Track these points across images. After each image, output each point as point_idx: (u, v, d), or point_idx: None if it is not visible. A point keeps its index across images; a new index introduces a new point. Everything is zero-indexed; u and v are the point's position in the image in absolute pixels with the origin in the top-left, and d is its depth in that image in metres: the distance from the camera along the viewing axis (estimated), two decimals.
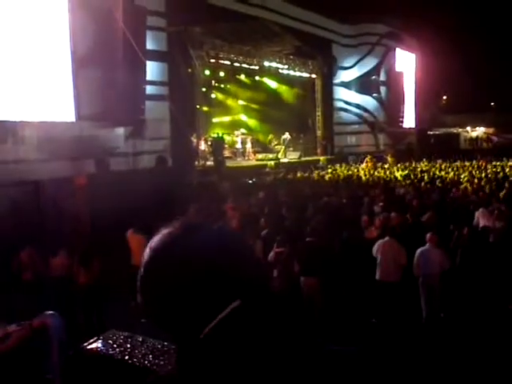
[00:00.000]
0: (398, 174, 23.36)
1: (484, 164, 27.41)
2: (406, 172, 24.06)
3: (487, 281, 9.54)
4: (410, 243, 10.08)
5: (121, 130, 19.92)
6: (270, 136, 34.51)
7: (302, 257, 9.66)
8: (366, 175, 23.76)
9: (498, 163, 27.46)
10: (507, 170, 23.81)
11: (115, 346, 2.04)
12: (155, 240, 1.24)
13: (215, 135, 27.76)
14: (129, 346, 2.03)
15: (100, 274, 9.95)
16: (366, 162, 29.73)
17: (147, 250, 1.24)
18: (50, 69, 17.07)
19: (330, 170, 26.44)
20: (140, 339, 2.05)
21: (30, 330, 2.51)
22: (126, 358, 1.94)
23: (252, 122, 36.32)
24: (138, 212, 13.03)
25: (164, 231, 1.24)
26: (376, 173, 24.84)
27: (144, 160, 20.85)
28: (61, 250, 9.99)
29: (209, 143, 27.00)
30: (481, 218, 12.59)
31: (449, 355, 8.07)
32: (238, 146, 31.24)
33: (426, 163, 29.31)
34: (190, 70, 25.63)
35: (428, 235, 9.77)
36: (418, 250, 9.71)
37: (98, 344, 2.09)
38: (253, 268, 1.19)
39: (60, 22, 17.28)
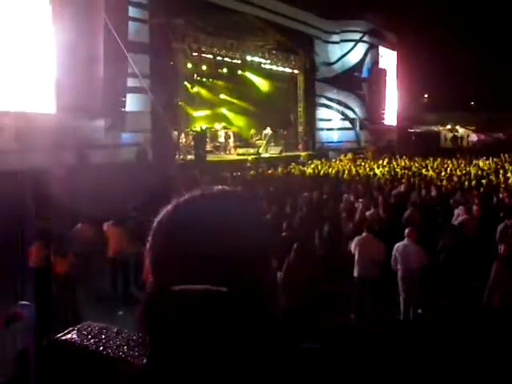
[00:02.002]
0: (378, 171, 23.46)
1: (464, 162, 27.69)
2: (387, 169, 24.19)
3: (464, 276, 9.63)
4: (389, 239, 10.12)
5: (101, 122, 19.77)
6: (252, 131, 34.48)
7: (279, 252, 9.62)
8: (345, 171, 23.84)
9: (479, 162, 27.71)
10: (486, 168, 24.04)
11: (90, 336, 2.01)
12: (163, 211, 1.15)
13: (197, 129, 27.66)
14: (103, 336, 1.99)
15: (76, 263, 9.89)
16: (348, 158, 29.92)
17: (170, 207, 1.14)
18: (31, 59, 16.90)
19: (312, 166, 26.49)
20: (115, 330, 2.01)
21: (5, 319, 2.47)
22: (101, 349, 1.91)
23: (233, 117, 36.24)
24: (118, 204, 12.98)
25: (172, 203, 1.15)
26: (357, 169, 24.91)
27: (124, 152, 20.72)
28: (36, 241, 9.90)
29: (190, 137, 26.89)
30: (460, 215, 12.68)
31: (424, 352, 8.13)
32: (221, 139, 31.15)
33: (406, 160, 29.43)
34: (172, 63, 25.49)
35: (407, 230, 9.79)
36: (396, 245, 9.73)
37: (73, 335, 2.05)
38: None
39: (42, 13, 17.10)
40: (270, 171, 23.68)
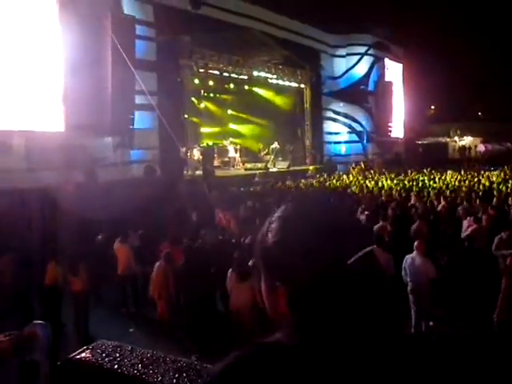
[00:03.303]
0: (385, 184, 23.43)
1: (472, 173, 27.60)
2: (395, 181, 24.15)
3: (474, 289, 9.58)
4: (398, 252, 10.10)
5: (109, 140, 19.90)
6: (260, 145, 34.58)
7: None
8: (355, 185, 23.83)
9: (487, 173, 27.60)
10: (494, 179, 23.95)
11: (104, 355, 2.04)
12: (282, 208, 1.35)
13: (205, 144, 27.76)
14: (118, 355, 2.02)
15: (89, 281, 9.95)
16: (358, 168, 29.96)
17: (276, 220, 1.32)
18: (40, 78, 17.05)
19: (320, 179, 26.50)
20: (129, 348, 2.05)
21: (20, 339, 2.50)
22: (115, 367, 1.94)
23: (241, 132, 36.35)
24: (126, 222, 13.03)
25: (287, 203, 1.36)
26: (367, 182, 24.85)
27: (133, 170, 20.83)
28: (50, 260, 9.97)
29: (198, 152, 26.98)
30: (469, 226, 12.63)
31: (435, 365, 8.07)
32: (231, 154, 31.24)
33: (415, 173, 29.35)
34: (179, 80, 25.65)
35: (416, 243, 9.78)
36: (406, 257, 9.72)
37: (87, 354, 2.09)
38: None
39: (50, 32, 17.28)
40: (278, 185, 23.69)
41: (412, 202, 17.10)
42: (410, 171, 30.29)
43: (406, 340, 1.24)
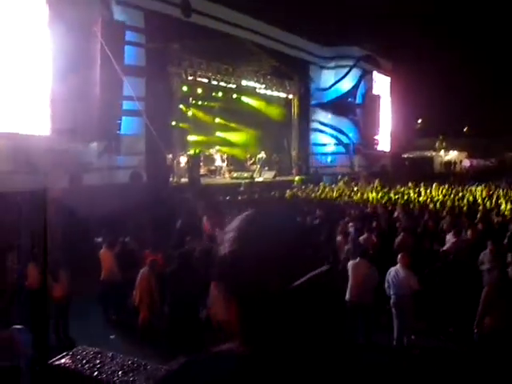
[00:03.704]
0: (371, 196, 23.52)
1: (457, 188, 27.76)
2: (380, 194, 24.23)
3: (455, 302, 9.62)
4: (382, 264, 10.14)
5: (95, 145, 19.81)
6: (246, 155, 34.60)
7: None
8: (341, 197, 23.91)
9: (472, 188, 27.76)
10: (479, 194, 24.11)
11: (84, 361, 2.02)
12: (237, 219, 1.34)
13: (191, 152, 27.71)
14: (98, 361, 2.00)
15: (69, 287, 9.86)
16: (344, 181, 30.10)
17: (230, 231, 1.31)
18: (27, 81, 16.95)
19: (306, 191, 26.53)
20: (110, 355, 2.03)
21: None
22: (95, 374, 1.92)
23: (228, 141, 36.33)
24: (111, 227, 12.96)
25: (243, 214, 1.36)
26: (353, 194, 24.92)
27: (119, 175, 20.73)
28: (30, 263, 9.89)
29: (185, 160, 26.92)
30: (451, 241, 12.70)
31: (417, 379, 8.10)
32: (217, 163, 31.24)
33: (400, 187, 29.45)
34: (167, 87, 25.62)
35: (399, 256, 9.81)
36: (389, 270, 9.75)
37: (67, 359, 2.06)
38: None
39: (39, 35, 17.20)
40: (263, 195, 23.68)
41: (397, 214, 17.18)
42: (395, 184, 30.41)
43: (346, 353, 1.25)
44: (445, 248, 12.11)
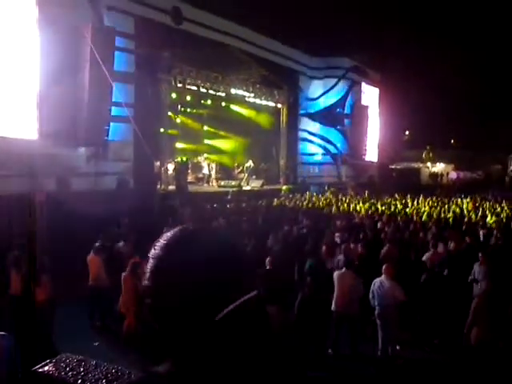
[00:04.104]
0: (358, 207, 23.59)
1: (443, 200, 27.93)
2: (367, 205, 24.31)
3: (439, 313, 9.65)
4: (368, 275, 10.15)
5: (83, 150, 19.75)
6: (234, 163, 34.64)
7: (262, 285, 9.60)
8: (327, 206, 23.97)
9: (458, 200, 27.94)
10: (465, 206, 24.27)
11: (68, 369, 1.99)
12: (157, 246, 1.25)
13: (179, 159, 27.68)
14: (82, 369, 1.98)
15: (52, 291, 9.75)
16: (330, 192, 30.18)
17: (150, 258, 1.24)
18: (15, 85, 16.88)
19: (293, 200, 26.56)
20: (93, 363, 2.00)
21: None
22: (79, 382, 1.90)
23: (216, 149, 36.33)
24: (98, 232, 12.90)
25: (165, 237, 1.26)
26: (339, 204, 24.98)
27: (106, 181, 20.66)
28: (12, 269, 9.80)
29: (172, 167, 26.89)
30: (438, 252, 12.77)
31: None
32: (205, 171, 31.24)
33: (387, 198, 29.57)
34: (156, 94, 25.59)
35: (384, 267, 9.83)
36: (374, 281, 9.77)
37: (50, 367, 2.03)
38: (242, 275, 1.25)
39: (28, 39, 17.14)
40: (251, 203, 23.69)
41: (383, 225, 17.24)
42: (382, 195, 30.53)
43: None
44: (424, 259, 12.17)
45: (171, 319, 1.17)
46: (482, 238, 15.11)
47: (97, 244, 11.72)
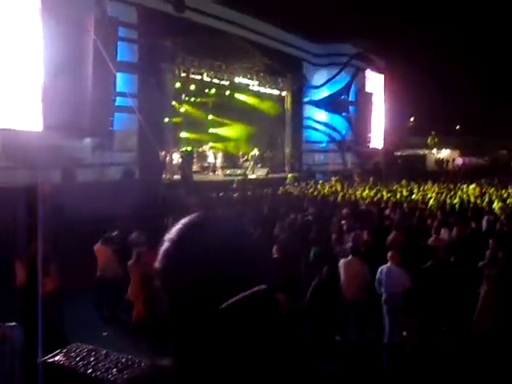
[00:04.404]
0: (364, 194, 23.54)
1: (449, 186, 27.86)
2: (373, 192, 24.25)
3: (447, 299, 9.64)
4: (374, 262, 10.15)
5: (88, 141, 19.76)
6: (239, 152, 34.62)
7: (270, 273, 9.60)
8: (333, 194, 23.94)
9: (464, 186, 27.84)
10: (471, 192, 24.19)
11: (78, 359, 2.01)
12: (173, 230, 1.27)
13: (184, 149, 27.68)
14: (92, 359, 2.00)
15: (59, 282, 9.78)
16: (335, 180, 30.12)
17: (165, 241, 1.25)
18: (19, 77, 16.87)
19: (298, 188, 26.55)
20: (104, 352, 2.02)
21: None
22: (89, 371, 1.91)
23: (221, 138, 36.30)
24: (104, 223, 12.93)
25: (181, 221, 1.28)
26: (345, 192, 24.93)
27: (111, 172, 20.68)
28: (17, 262, 9.82)
29: (177, 157, 26.89)
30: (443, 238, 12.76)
31: (408, 375, 8.12)
32: (210, 160, 31.26)
33: (392, 185, 29.49)
34: (160, 83, 25.54)
35: (389, 253, 9.81)
36: (380, 268, 9.75)
37: (61, 357, 2.05)
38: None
39: (31, 31, 17.11)
40: (256, 192, 23.67)
41: (389, 212, 17.20)
42: (388, 182, 30.47)
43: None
44: (429, 243, 12.18)
45: (178, 304, 1.18)
46: (485, 225, 15.00)
47: (105, 234, 11.73)
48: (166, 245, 1.24)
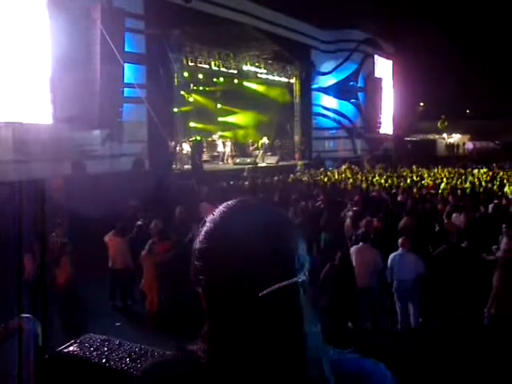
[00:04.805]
0: (374, 180, 23.50)
1: (459, 170, 27.76)
2: (384, 178, 24.21)
3: (459, 285, 9.62)
4: (385, 248, 10.14)
5: (98, 133, 19.82)
6: (249, 140, 34.60)
7: None
8: (344, 181, 23.92)
9: (475, 171, 27.73)
10: (482, 177, 24.09)
11: (92, 349, 2.03)
12: (216, 211, 1.27)
13: (194, 138, 27.70)
14: (106, 349, 2.01)
15: (72, 273, 9.84)
16: (346, 167, 30.10)
17: (207, 222, 1.25)
18: (28, 70, 16.94)
19: (307, 175, 26.55)
20: (117, 342, 2.04)
21: (6, 332, 2.49)
22: (103, 361, 1.93)
23: (230, 126, 36.26)
24: (116, 215, 12.97)
25: (224, 204, 1.28)
26: (355, 178, 24.90)
27: (121, 163, 20.75)
28: (26, 254, 9.87)
29: (187, 146, 26.93)
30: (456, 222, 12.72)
31: (422, 362, 8.12)
32: (220, 149, 31.30)
33: (403, 170, 29.44)
34: (168, 73, 25.54)
35: (400, 240, 9.80)
36: (391, 255, 9.75)
37: (75, 347, 2.07)
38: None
39: (39, 24, 17.17)
40: (266, 180, 23.71)
41: (400, 198, 17.17)
42: (398, 168, 30.41)
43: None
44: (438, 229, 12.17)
45: (218, 286, 1.16)
46: (490, 208, 14.88)
47: (117, 225, 11.75)
48: (208, 226, 1.24)
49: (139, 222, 12.56)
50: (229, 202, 1.28)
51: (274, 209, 1.29)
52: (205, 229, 1.23)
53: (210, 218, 1.25)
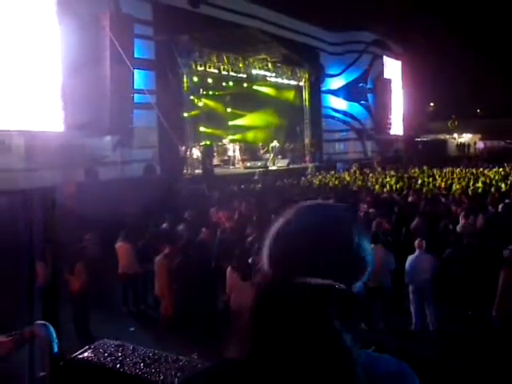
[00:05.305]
0: (385, 181, 23.42)
1: (471, 170, 27.61)
2: (395, 179, 24.12)
3: (472, 285, 9.56)
4: (398, 249, 10.12)
5: (109, 139, 19.91)
6: (259, 144, 34.62)
7: None
8: (355, 183, 23.88)
9: (486, 170, 27.57)
10: (493, 176, 23.94)
11: (106, 354, 2.04)
12: (288, 212, 1.31)
13: (204, 143, 27.75)
14: (120, 354, 2.03)
15: (87, 280, 9.88)
16: (356, 167, 30.04)
17: (281, 222, 1.29)
18: (38, 78, 17.05)
19: (319, 178, 26.52)
20: (131, 347, 2.05)
21: (21, 340, 2.50)
22: (118, 366, 1.94)
23: (240, 130, 36.29)
24: (127, 220, 13.02)
25: (295, 206, 1.33)
26: (366, 180, 24.85)
27: (132, 168, 20.82)
28: (39, 264, 9.91)
29: (198, 151, 26.97)
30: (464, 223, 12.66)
31: (436, 363, 8.08)
32: (230, 153, 31.32)
33: (415, 170, 29.32)
34: (177, 79, 25.62)
35: (416, 242, 9.79)
36: (409, 257, 9.72)
37: (89, 353, 2.09)
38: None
39: (48, 31, 17.28)
40: (278, 183, 23.73)
41: (411, 199, 17.10)
42: (409, 168, 30.30)
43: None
44: (458, 230, 12.10)
45: (285, 287, 1.14)
46: (500, 208, 14.76)
47: (124, 231, 11.79)
48: (281, 224, 1.27)
49: (151, 228, 12.61)
50: (297, 204, 1.33)
51: (341, 210, 1.33)
52: (278, 227, 1.27)
53: (282, 217, 1.29)
